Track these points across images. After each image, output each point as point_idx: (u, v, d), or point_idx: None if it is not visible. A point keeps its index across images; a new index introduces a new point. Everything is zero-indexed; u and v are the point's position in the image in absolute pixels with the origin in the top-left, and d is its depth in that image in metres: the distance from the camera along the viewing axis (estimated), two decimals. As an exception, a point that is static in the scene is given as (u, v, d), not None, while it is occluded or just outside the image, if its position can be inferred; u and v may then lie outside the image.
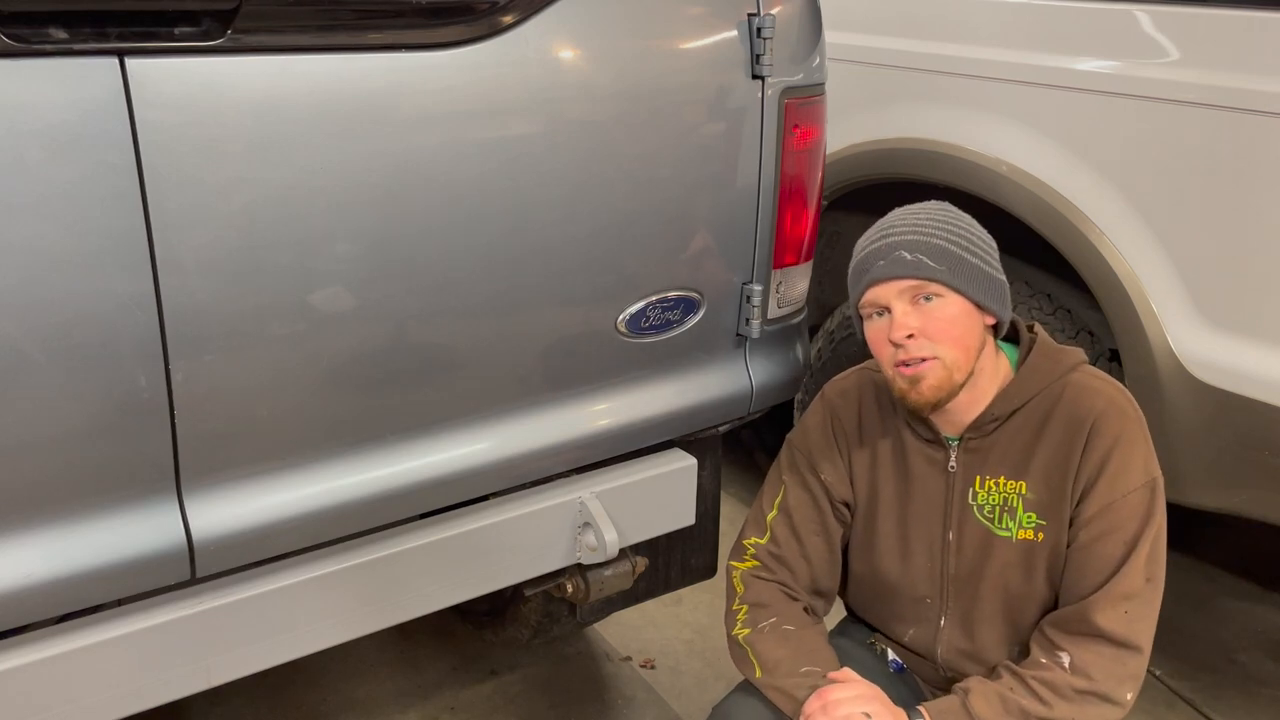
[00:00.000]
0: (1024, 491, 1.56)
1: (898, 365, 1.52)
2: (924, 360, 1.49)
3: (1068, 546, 1.54)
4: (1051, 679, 1.48)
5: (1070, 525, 1.53)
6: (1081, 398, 1.54)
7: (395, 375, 1.59)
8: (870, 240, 1.55)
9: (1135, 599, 1.49)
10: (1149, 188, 2.22)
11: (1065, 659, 1.49)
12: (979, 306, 1.51)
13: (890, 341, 1.50)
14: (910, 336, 1.48)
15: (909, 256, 1.48)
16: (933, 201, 1.60)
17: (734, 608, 1.69)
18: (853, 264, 1.56)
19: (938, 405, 1.53)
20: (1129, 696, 1.50)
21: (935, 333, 1.49)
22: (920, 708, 1.51)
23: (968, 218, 1.56)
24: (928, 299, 1.49)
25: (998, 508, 1.58)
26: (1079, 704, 1.47)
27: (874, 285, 1.51)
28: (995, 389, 1.57)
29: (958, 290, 1.49)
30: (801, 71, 1.86)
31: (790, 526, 1.70)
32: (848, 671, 1.56)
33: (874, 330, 1.54)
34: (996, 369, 1.57)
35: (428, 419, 1.66)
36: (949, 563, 1.62)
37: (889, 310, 1.51)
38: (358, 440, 1.60)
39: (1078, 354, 1.60)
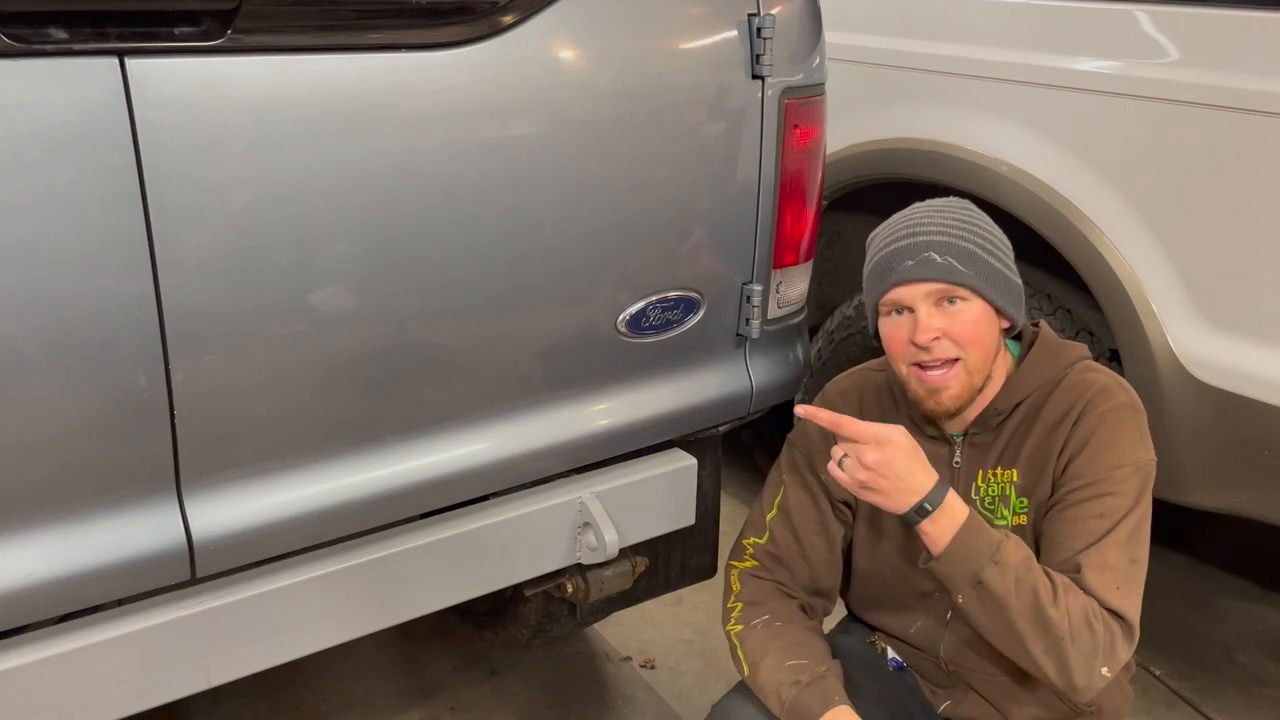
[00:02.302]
0: (1015, 479, 1.57)
1: (914, 367, 1.52)
2: (947, 365, 1.49)
3: (1045, 521, 1.53)
4: (1076, 594, 1.42)
5: (1049, 499, 1.53)
6: (1075, 387, 1.55)
7: (395, 375, 1.59)
8: (895, 237, 1.52)
9: (1121, 572, 1.45)
10: (1149, 188, 2.22)
11: (1085, 596, 1.43)
12: (999, 311, 1.52)
13: (913, 343, 1.50)
14: (935, 339, 1.48)
15: (939, 259, 1.47)
16: (954, 198, 1.60)
17: (729, 605, 1.70)
18: (874, 259, 1.55)
19: (956, 413, 1.54)
20: (1105, 672, 1.42)
21: (960, 335, 1.49)
22: (952, 497, 1.45)
23: (987, 218, 1.57)
24: (952, 302, 1.49)
25: (996, 499, 1.58)
26: (1078, 632, 1.39)
27: (900, 285, 1.50)
28: (1000, 384, 1.58)
29: (982, 295, 1.49)
30: (801, 71, 1.86)
31: (789, 526, 1.70)
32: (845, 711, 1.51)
33: (893, 328, 1.53)
34: (1002, 367, 1.58)
35: (428, 419, 1.65)
36: (954, 557, 1.62)
37: (910, 310, 1.50)
38: (358, 440, 1.60)
39: (1080, 349, 1.61)
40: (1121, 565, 1.45)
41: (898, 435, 1.45)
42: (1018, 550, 1.44)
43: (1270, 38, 2.02)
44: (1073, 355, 1.59)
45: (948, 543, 1.43)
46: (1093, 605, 1.43)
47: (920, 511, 1.44)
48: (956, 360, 1.50)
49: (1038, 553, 1.53)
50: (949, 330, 1.49)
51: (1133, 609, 1.46)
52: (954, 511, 1.44)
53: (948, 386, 1.50)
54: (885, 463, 1.43)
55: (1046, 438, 1.54)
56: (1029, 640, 1.41)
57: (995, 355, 1.55)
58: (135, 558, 1.43)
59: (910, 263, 1.48)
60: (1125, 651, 1.45)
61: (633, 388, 1.86)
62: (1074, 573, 1.45)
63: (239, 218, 1.39)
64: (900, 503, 1.45)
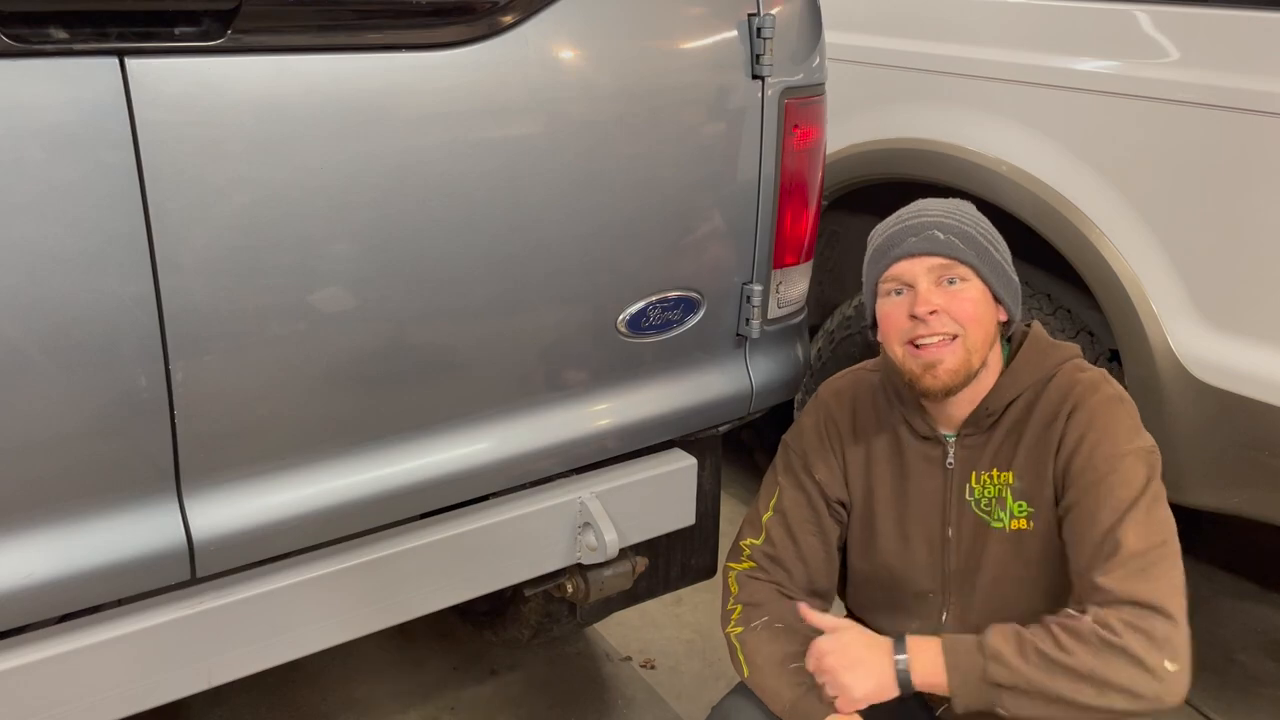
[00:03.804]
0: (1011, 481, 1.56)
1: (910, 344, 1.52)
2: (945, 341, 1.49)
3: (1060, 525, 1.52)
4: (1075, 626, 1.39)
5: (1057, 505, 1.53)
6: (1064, 385, 1.55)
7: (395, 375, 1.59)
8: (899, 219, 1.55)
9: (1142, 558, 1.41)
10: (1149, 188, 2.22)
11: (1087, 618, 1.41)
12: (997, 299, 1.53)
13: (912, 316, 1.50)
14: (933, 313, 1.48)
15: (942, 236, 1.49)
16: (955, 199, 1.61)
17: (729, 608, 1.70)
18: (877, 242, 1.56)
19: (951, 391, 1.53)
20: (1168, 665, 1.35)
21: (958, 312, 1.49)
22: (913, 644, 1.47)
23: (985, 219, 1.58)
24: (952, 281, 1.50)
25: (992, 500, 1.58)
26: (1105, 656, 1.36)
27: (903, 259, 1.50)
28: (992, 383, 1.58)
29: (981, 276, 1.50)
30: (801, 71, 1.86)
31: (785, 527, 1.70)
32: (822, 618, 1.54)
33: (892, 306, 1.53)
34: (995, 364, 1.58)
35: (428, 419, 1.65)
36: (949, 558, 1.62)
37: (911, 287, 1.51)
38: (358, 440, 1.60)
39: (1071, 349, 1.61)
40: (1141, 551, 1.41)
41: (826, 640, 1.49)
42: (998, 632, 1.43)
43: (1270, 38, 2.02)
44: (1063, 354, 1.59)
45: (945, 675, 1.43)
46: (1104, 617, 1.38)
47: (903, 668, 1.44)
48: (955, 337, 1.50)
49: (1056, 556, 1.53)
50: (948, 307, 1.49)
51: (1162, 593, 1.38)
52: (925, 645, 1.45)
53: (943, 359, 1.50)
54: (839, 647, 1.47)
55: (1040, 438, 1.54)
56: (1076, 694, 1.36)
57: (992, 342, 1.55)
58: (135, 558, 1.43)
59: (914, 239, 1.50)
60: (1176, 635, 1.37)
61: (633, 388, 1.86)
62: (1093, 574, 1.42)
63: (239, 218, 1.39)
64: (884, 674, 1.45)
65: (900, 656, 1.46)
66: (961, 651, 1.44)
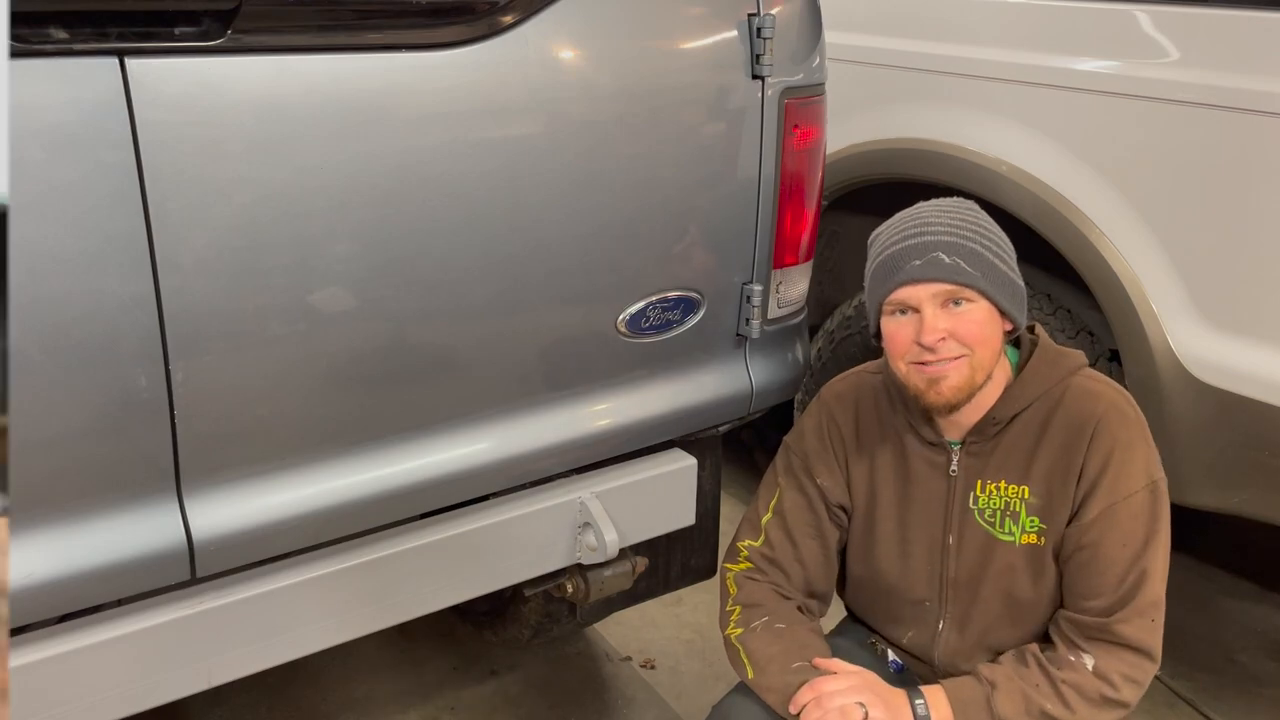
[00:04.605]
0: (1027, 496, 1.55)
1: (914, 364, 1.51)
2: (951, 360, 1.48)
3: (1066, 547, 1.53)
4: (1079, 682, 1.48)
5: (1069, 525, 1.53)
6: (1083, 401, 1.54)
7: (395, 375, 1.59)
8: (903, 235, 1.50)
9: (1159, 605, 1.51)
10: (1149, 188, 2.22)
11: (1089, 661, 1.49)
12: (1002, 312, 1.51)
13: (918, 343, 1.48)
14: (941, 339, 1.47)
15: (947, 260, 1.46)
16: (958, 198, 1.58)
17: (728, 609, 1.69)
18: (880, 257, 1.52)
19: (956, 406, 1.52)
20: (1135, 702, 1.51)
21: (965, 335, 1.48)
22: (928, 690, 1.51)
23: (991, 219, 1.55)
24: (957, 303, 1.47)
25: (999, 512, 1.57)
26: (1100, 709, 1.48)
27: (907, 285, 1.48)
28: (999, 392, 1.57)
29: (987, 296, 1.48)
30: (801, 71, 1.86)
31: (785, 529, 1.69)
32: (837, 662, 1.56)
33: (897, 327, 1.51)
34: (1001, 373, 1.57)
35: (428, 419, 1.65)
36: (949, 566, 1.62)
37: (915, 310, 1.49)
38: (358, 440, 1.60)
39: (1079, 357, 1.60)
40: (1151, 601, 1.50)
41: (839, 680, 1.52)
42: (1005, 695, 1.49)
43: (1270, 38, 2.02)
44: (1071, 364, 1.58)
45: (952, 711, 1.50)
46: (1106, 669, 1.48)
47: (916, 699, 1.50)
48: (961, 356, 1.49)
49: (1060, 574, 1.56)
50: (955, 331, 1.47)
51: (1159, 639, 1.51)
52: (933, 688, 1.53)
53: (947, 376, 1.49)
54: (866, 683, 1.50)
55: (1061, 459, 1.53)
56: None
57: (998, 356, 1.54)
58: (135, 558, 1.43)
59: (918, 262, 1.46)
60: (1151, 674, 1.52)
61: (633, 388, 1.86)
62: (1109, 618, 1.49)
63: (239, 218, 1.39)
64: (899, 706, 1.50)
65: (914, 691, 1.51)
66: (963, 691, 1.51)
